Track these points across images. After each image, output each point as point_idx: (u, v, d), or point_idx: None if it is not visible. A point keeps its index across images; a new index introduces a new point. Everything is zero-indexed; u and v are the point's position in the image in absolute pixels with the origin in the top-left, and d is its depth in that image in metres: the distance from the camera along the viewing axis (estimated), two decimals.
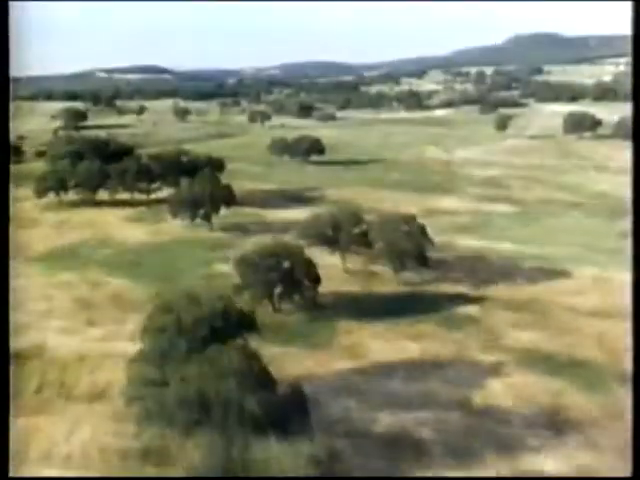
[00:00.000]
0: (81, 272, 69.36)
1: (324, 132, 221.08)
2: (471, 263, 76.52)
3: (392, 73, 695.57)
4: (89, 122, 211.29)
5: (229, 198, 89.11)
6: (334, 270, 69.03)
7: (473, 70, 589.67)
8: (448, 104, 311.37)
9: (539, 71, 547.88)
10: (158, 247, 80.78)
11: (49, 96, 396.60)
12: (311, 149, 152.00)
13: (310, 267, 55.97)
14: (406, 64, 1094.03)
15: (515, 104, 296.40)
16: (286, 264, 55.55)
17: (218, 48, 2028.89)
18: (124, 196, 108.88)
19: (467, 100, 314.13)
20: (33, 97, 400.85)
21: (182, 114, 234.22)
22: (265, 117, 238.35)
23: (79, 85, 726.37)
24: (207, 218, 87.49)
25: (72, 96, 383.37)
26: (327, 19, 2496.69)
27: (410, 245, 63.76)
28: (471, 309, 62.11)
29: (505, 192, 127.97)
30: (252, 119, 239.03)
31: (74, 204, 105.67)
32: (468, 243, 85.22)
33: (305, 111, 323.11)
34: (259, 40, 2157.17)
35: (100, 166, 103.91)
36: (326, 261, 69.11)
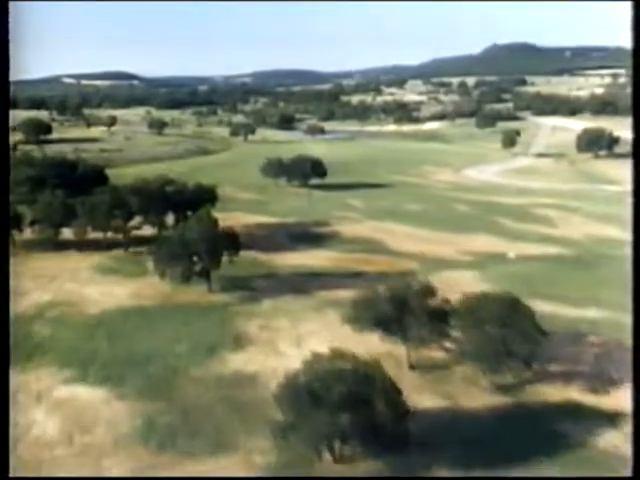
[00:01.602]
0: (34, 373, 48.14)
1: (314, 148, 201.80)
2: (566, 344, 56.98)
3: (371, 82, 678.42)
4: (54, 135, 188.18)
5: (233, 246, 68.40)
6: (395, 366, 48.82)
7: (454, 80, 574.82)
8: (440, 117, 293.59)
9: (523, 82, 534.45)
10: (142, 320, 59.76)
11: (13, 103, 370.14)
12: (311, 171, 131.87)
13: (395, 396, 35.77)
14: (380, 73, 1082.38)
15: (511, 117, 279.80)
16: (355, 390, 35.28)
17: (186, 55, 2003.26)
18: (94, 234, 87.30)
19: (458, 112, 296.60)
20: None
21: (157, 126, 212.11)
22: (248, 130, 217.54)
23: (45, 91, 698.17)
24: (206, 276, 66.71)
25: (37, 103, 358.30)
26: (297, 26, 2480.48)
27: (517, 341, 43.86)
28: (611, 438, 42.48)
29: (546, 228, 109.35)
30: (234, 132, 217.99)
31: (30, 246, 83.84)
32: (547, 309, 65.32)
33: (286, 122, 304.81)
34: (227, 47, 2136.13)
35: (65, 200, 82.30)
36: (381, 350, 49.24)
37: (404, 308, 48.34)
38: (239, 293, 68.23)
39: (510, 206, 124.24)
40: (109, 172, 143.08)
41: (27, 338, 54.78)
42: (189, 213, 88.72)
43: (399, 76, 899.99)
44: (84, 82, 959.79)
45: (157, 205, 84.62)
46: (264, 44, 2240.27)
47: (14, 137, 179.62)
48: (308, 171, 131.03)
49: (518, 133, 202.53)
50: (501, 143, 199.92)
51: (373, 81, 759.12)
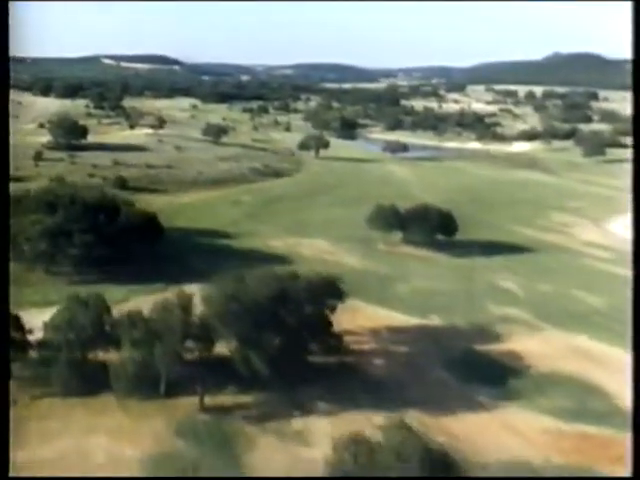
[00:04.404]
0: None
1: (401, 172, 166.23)
2: None
3: (425, 85, 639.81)
4: (90, 138, 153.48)
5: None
6: None
7: (519, 89, 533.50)
8: (528, 136, 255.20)
9: (594, 96, 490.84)
10: None
11: (47, 87, 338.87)
12: (438, 227, 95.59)
13: None
14: (426, 72, 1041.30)
15: (616, 144, 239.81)
16: None
17: (226, 41, 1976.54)
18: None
19: (550, 132, 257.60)
20: (29, 87, 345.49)
21: (214, 134, 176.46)
22: (321, 144, 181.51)
23: (82, 71, 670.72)
24: None
25: (73, 89, 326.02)
26: (338, 20, 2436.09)
27: None
28: None
29: None
30: (304, 146, 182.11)
31: (38, 380, 48.61)
32: None
33: (349, 129, 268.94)
34: (266, 35, 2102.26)
35: (98, 308, 46.88)
36: None
37: None
38: None
39: None
40: (158, 200, 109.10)
41: None
42: (306, 334, 53.57)
43: (448, 78, 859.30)
44: (123, 64, 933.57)
45: (259, 325, 48.69)
46: (303, 35, 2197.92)
47: (42, 138, 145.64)
48: (434, 227, 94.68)
49: None
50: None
51: (426, 83, 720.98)
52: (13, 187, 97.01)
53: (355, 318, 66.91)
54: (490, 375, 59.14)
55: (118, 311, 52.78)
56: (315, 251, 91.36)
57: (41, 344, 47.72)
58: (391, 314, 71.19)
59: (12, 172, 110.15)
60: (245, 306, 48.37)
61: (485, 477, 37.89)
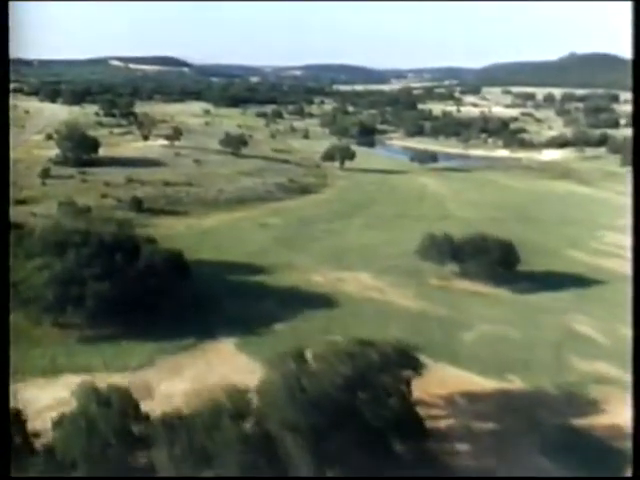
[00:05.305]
0: None
1: (433, 185, 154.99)
2: None
3: (438, 87, 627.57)
4: (100, 151, 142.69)
5: None
6: None
7: (537, 91, 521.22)
8: (558, 143, 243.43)
9: (615, 98, 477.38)
10: None
11: (55, 91, 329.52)
12: (498, 259, 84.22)
13: None
14: (435, 74, 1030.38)
15: None
16: None
17: (232, 41, 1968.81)
18: None
19: (581, 138, 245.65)
20: (36, 91, 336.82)
21: (234, 145, 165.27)
22: (346, 155, 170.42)
23: (91, 74, 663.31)
24: None
25: (82, 94, 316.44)
26: (345, 21, 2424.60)
27: None
28: None
29: None
30: (328, 156, 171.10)
31: None
32: None
33: (367, 134, 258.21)
34: (274, 38, 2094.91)
35: (123, 417, 35.78)
36: None
37: None
38: None
39: None
40: (177, 224, 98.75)
41: None
42: (386, 426, 42.29)
43: (460, 80, 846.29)
44: (132, 66, 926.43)
45: (331, 422, 37.71)
46: (310, 36, 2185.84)
47: (50, 152, 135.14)
48: (493, 259, 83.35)
49: None
50: None
51: (439, 85, 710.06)
52: (17, 211, 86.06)
53: (425, 382, 55.61)
54: (599, 462, 47.83)
55: (144, 393, 42.13)
56: (360, 287, 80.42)
57: (49, 450, 36.68)
58: (463, 375, 60.02)
59: (17, 193, 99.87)
60: (312, 398, 37.33)
61: (485, 477, 38.19)
